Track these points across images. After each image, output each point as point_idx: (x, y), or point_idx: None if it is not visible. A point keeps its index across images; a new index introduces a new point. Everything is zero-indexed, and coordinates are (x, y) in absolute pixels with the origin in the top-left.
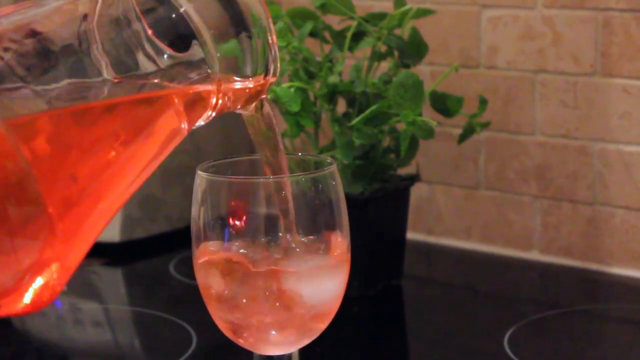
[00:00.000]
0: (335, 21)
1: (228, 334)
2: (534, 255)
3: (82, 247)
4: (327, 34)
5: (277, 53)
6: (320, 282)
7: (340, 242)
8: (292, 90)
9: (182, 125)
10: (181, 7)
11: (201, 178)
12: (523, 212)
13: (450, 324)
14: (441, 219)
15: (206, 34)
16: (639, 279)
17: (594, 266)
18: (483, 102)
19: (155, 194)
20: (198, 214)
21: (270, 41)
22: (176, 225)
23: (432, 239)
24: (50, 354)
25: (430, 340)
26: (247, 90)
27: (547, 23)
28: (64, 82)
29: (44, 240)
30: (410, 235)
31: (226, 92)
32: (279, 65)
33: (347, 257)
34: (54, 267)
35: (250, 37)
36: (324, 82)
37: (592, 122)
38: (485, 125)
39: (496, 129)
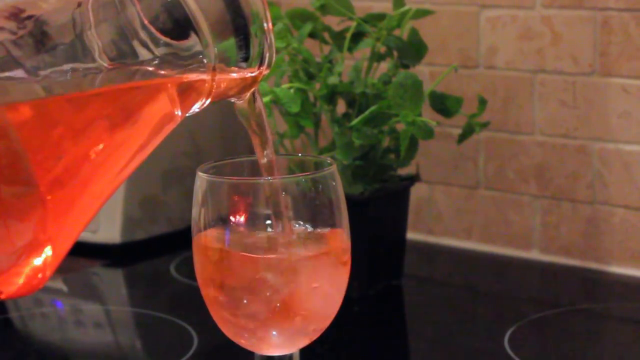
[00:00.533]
0: (334, 22)
1: (229, 334)
2: (534, 255)
3: (73, 232)
4: (326, 35)
5: (273, 41)
6: (320, 281)
7: (340, 242)
8: (291, 91)
9: (176, 111)
10: None
11: (201, 179)
12: (523, 212)
13: (450, 323)
14: (441, 219)
15: (202, 22)
16: (638, 277)
17: (593, 265)
18: (482, 102)
19: (156, 195)
20: (198, 215)
21: (265, 29)
22: (177, 226)
23: (432, 239)
24: (51, 355)
25: (430, 340)
26: (242, 80)
27: (546, 23)
28: (57, 66)
29: (36, 221)
30: (410, 235)
31: (220, 81)
32: (274, 54)
33: (348, 257)
34: (47, 249)
35: (246, 26)
36: (323, 83)
37: (591, 122)
38: (485, 125)
39: (495, 129)
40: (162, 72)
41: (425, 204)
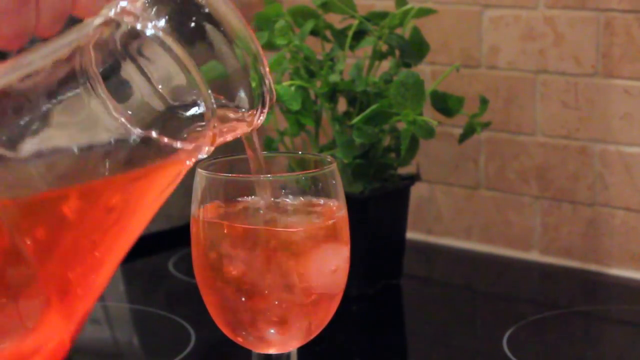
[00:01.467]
0: (336, 20)
1: (227, 332)
2: (534, 256)
3: (80, 316)
4: (328, 33)
5: (272, 84)
6: (318, 277)
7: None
8: (292, 88)
9: (183, 170)
10: (171, 50)
11: (201, 176)
12: (523, 213)
13: (449, 323)
14: (441, 218)
15: (200, 81)
16: (638, 280)
17: (593, 267)
18: (484, 102)
19: None
20: (197, 211)
21: (262, 72)
22: (176, 223)
23: (431, 239)
24: None
25: (429, 340)
26: (242, 127)
27: (548, 23)
28: (52, 141)
29: (42, 312)
30: (410, 234)
31: (222, 134)
32: (274, 96)
33: (347, 253)
34: (56, 335)
35: (245, 71)
36: (324, 81)
37: (593, 123)
38: (486, 125)
39: (497, 129)
40: (167, 138)
41: (425, 203)
